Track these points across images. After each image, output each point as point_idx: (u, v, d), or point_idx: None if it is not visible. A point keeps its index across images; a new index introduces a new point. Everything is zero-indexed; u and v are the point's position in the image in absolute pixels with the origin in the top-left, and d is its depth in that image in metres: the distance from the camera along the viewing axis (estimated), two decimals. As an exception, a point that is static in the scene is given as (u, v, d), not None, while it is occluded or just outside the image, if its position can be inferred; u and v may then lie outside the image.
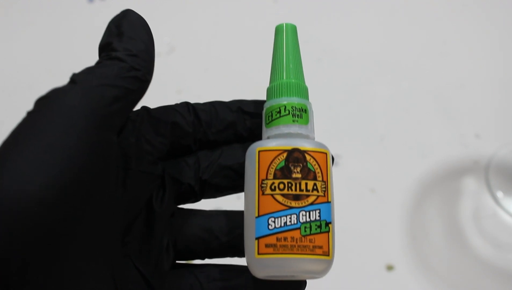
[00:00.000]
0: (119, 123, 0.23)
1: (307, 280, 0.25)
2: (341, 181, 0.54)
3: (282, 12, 0.66)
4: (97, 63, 0.23)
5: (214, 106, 0.27)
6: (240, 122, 0.27)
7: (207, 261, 0.27)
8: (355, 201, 0.53)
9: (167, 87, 0.61)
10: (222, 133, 0.27)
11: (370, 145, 0.57)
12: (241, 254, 0.26)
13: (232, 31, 0.66)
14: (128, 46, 0.23)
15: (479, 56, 0.64)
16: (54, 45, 0.65)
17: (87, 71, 0.22)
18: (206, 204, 0.28)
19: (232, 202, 0.29)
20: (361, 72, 0.63)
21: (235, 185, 0.26)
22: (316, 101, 0.58)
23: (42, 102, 0.21)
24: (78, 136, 0.20)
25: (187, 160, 0.27)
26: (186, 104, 0.27)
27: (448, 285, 0.49)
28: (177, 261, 0.27)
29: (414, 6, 0.68)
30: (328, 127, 0.58)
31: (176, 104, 0.27)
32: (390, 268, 0.50)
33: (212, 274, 0.25)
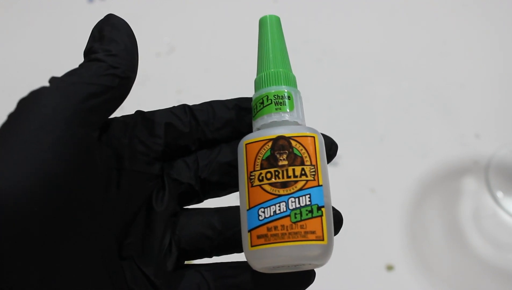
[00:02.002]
0: (98, 120, 0.23)
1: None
2: (341, 181, 0.54)
3: (282, 12, 0.66)
4: (79, 66, 0.23)
5: (211, 105, 0.27)
6: (238, 118, 0.27)
7: (214, 259, 0.27)
8: (355, 201, 0.53)
9: (167, 87, 0.61)
10: (221, 131, 0.27)
11: (370, 145, 0.57)
12: None
13: (232, 31, 0.66)
14: (107, 47, 0.23)
15: (479, 56, 0.64)
16: (54, 45, 0.65)
17: (67, 73, 0.23)
18: (212, 203, 0.28)
19: (237, 200, 0.29)
20: (361, 72, 0.63)
21: (236, 181, 0.26)
22: (316, 101, 0.59)
23: (21, 103, 0.21)
24: (52, 132, 0.20)
25: (187, 160, 0.27)
26: (183, 106, 0.27)
27: (448, 285, 0.49)
28: (185, 262, 0.27)
29: (414, 6, 0.68)
30: (328, 127, 0.58)
31: (173, 107, 0.27)
32: (390, 268, 0.50)
33: (219, 272, 0.25)
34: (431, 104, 0.60)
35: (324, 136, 0.26)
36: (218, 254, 0.27)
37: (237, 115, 0.27)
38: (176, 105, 0.28)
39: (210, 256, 0.27)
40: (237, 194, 0.26)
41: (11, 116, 0.21)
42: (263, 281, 0.25)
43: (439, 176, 0.55)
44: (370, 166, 0.56)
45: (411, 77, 0.62)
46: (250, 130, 0.27)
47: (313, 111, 0.61)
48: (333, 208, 0.25)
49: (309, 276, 0.25)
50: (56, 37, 0.66)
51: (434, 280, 0.49)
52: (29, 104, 0.21)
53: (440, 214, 0.53)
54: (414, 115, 0.59)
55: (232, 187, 0.27)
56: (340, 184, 0.54)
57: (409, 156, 0.56)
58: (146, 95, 0.50)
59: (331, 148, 0.26)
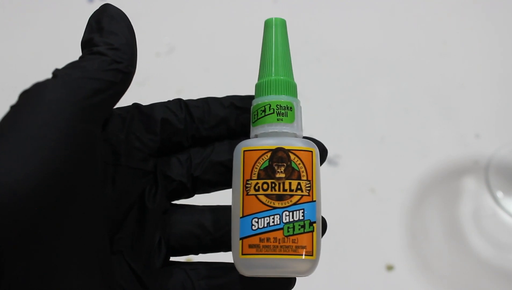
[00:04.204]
0: (102, 116, 0.23)
1: (298, 278, 0.25)
2: (341, 181, 0.54)
3: (282, 12, 0.66)
4: (80, 58, 0.23)
5: (207, 102, 0.27)
6: (232, 117, 0.27)
7: (200, 257, 0.27)
8: (355, 201, 0.53)
9: (167, 87, 0.61)
10: (215, 129, 0.27)
11: (370, 145, 0.57)
12: None
13: (232, 31, 0.66)
14: (108, 40, 0.23)
15: (479, 56, 0.64)
16: (54, 45, 0.65)
17: (69, 66, 0.22)
18: (200, 199, 0.28)
19: (227, 196, 0.29)
20: (361, 72, 0.63)
21: (227, 180, 0.26)
22: (316, 101, 0.59)
23: (24, 96, 0.21)
24: (57, 128, 0.20)
25: (179, 157, 0.27)
26: (178, 101, 0.27)
27: (448, 285, 0.49)
28: (171, 258, 0.27)
29: (414, 6, 0.68)
30: (328, 127, 0.58)
31: (169, 101, 0.27)
32: (390, 268, 0.50)
33: (203, 272, 0.25)
34: (431, 104, 0.60)
35: (316, 141, 0.26)
36: (204, 252, 0.27)
37: (232, 114, 0.27)
38: (175, 105, 0.27)
39: (197, 254, 0.27)
40: (227, 190, 0.26)
41: (14, 109, 0.21)
42: (245, 283, 0.25)
43: (439, 176, 0.55)
44: (370, 166, 0.56)
45: (411, 77, 0.62)
46: (244, 130, 0.27)
47: (313, 111, 0.61)
48: None
49: (290, 281, 0.26)
50: (56, 37, 0.66)
51: (434, 280, 0.49)
52: (33, 98, 0.21)
53: (440, 214, 0.53)
54: (414, 115, 0.59)
55: (222, 185, 0.27)
56: (340, 184, 0.54)
57: (409, 156, 0.56)
58: (146, 95, 0.50)
59: (322, 154, 0.26)
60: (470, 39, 0.65)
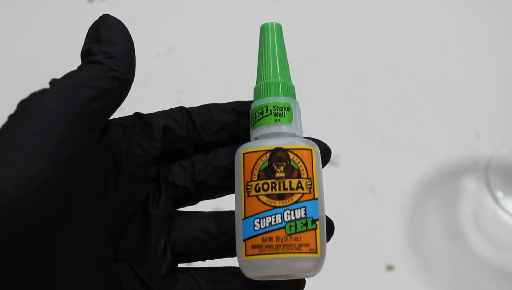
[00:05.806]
0: (99, 122, 0.23)
1: (306, 280, 0.25)
2: (341, 181, 0.54)
3: (281, 12, 0.66)
4: (78, 68, 0.23)
5: (209, 109, 0.27)
6: (234, 122, 0.27)
7: (207, 263, 0.27)
8: (355, 201, 0.53)
9: (167, 87, 0.61)
10: (217, 135, 0.27)
11: (370, 145, 0.57)
12: None
13: (232, 31, 0.66)
14: (106, 50, 0.23)
15: (479, 56, 0.64)
16: (54, 45, 0.65)
17: (66, 76, 0.23)
18: (206, 205, 0.28)
19: (232, 202, 0.30)
20: (361, 72, 0.63)
21: (231, 185, 0.26)
22: (316, 101, 0.59)
23: (22, 105, 0.21)
24: (54, 134, 0.20)
25: (183, 163, 0.27)
26: (180, 109, 0.27)
27: (448, 285, 0.49)
28: (178, 264, 0.27)
29: (414, 6, 0.68)
30: (328, 127, 0.58)
31: (171, 109, 0.27)
32: (390, 268, 0.50)
33: (211, 277, 0.25)
34: (431, 104, 0.60)
35: (318, 141, 0.26)
36: (211, 258, 0.27)
37: (234, 119, 0.27)
38: (175, 105, 0.28)
39: (204, 260, 0.27)
40: (232, 195, 0.26)
41: (12, 118, 0.21)
42: (254, 287, 0.25)
43: (439, 176, 0.55)
44: (370, 166, 0.56)
45: (411, 77, 0.62)
46: (246, 135, 0.27)
47: (313, 111, 0.61)
48: (326, 217, 0.25)
49: (299, 283, 0.25)
50: (56, 37, 0.66)
51: (434, 280, 0.49)
52: (31, 106, 0.21)
53: (440, 214, 0.53)
54: (414, 115, 0.59)
55: (227, 190, 0.27)
56: (340, 184, 0.54)
57: (409, 156, 0.56)
58: (146, 95, 0.50)
59: (325, 154, 0.26)
60: (470, 39, 0.65)
